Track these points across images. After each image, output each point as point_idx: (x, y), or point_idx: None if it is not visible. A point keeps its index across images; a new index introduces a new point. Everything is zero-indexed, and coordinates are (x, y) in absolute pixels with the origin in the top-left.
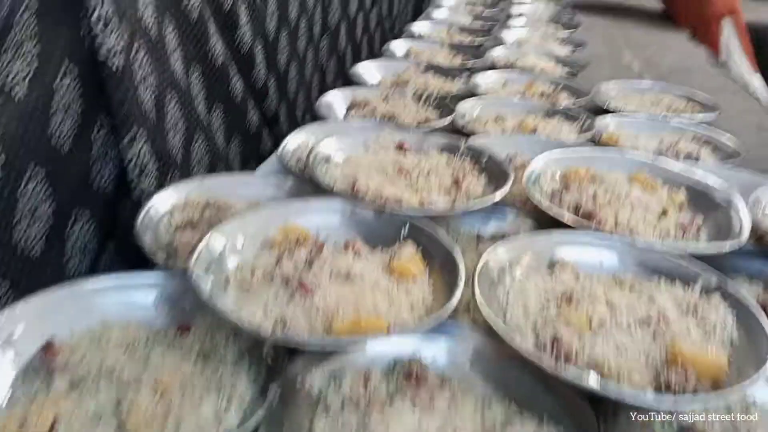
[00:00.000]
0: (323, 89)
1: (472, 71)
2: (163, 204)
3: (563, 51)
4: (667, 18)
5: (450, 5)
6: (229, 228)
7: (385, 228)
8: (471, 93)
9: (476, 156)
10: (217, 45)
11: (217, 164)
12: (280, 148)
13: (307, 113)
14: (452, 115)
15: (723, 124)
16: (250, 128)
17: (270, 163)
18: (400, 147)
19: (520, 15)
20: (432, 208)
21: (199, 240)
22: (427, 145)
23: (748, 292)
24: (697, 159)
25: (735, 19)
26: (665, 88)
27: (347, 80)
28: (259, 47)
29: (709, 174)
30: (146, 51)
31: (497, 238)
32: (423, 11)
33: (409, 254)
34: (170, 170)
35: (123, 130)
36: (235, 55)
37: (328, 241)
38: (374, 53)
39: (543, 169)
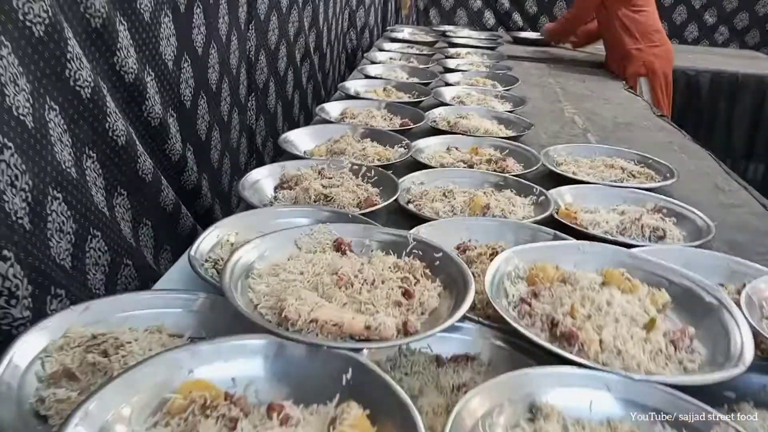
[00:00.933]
0: (252, 152)
1: (412, 131)
2: (32, 346)
3: (504, 108)
4: (598, 66)
5: (384, 59)
6: (112, 390)
7: (321, 370)
8: (413, 161)
9: (427, 253)
10: (117, 123)
11: (121, 262)
12: (193, 247)
13: (235, 177)
14: (396, 195)
15: (679, 186)
16: (164, 208)
17: (181, 267)
18: (338, 247)
19: (457, 69)
20: (380, 341)
21: (77, 406)
22: (370, 241)
23: (762, 428)
24: (663, 236)
25: (651, 79)
26: (616, 151)
27: (278, 147)
28: (173, 117)
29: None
30: (15, 148)
31: (460, 360)
32: (357, 64)
33: (354, 418)
34: (52, 288)
35: None
36: (143, 130)
37: (246, 400)
38: (307, 109)
39: (505, 268)
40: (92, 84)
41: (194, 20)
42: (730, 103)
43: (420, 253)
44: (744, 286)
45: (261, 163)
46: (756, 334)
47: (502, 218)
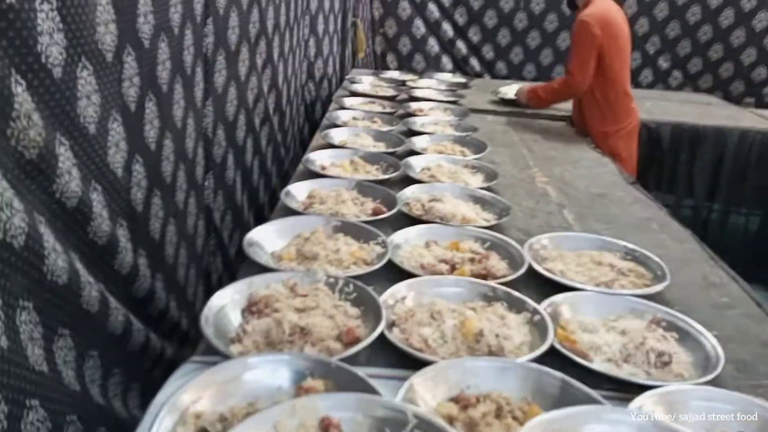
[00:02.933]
0: (209, 232)
1: (387, 219)
2: None
3: (477, 180)
4: (560, 119)
5: (347, 119)
6: None
7: None
8: (391, 262)
9: None
10: (57, 261)
11: (63, 421)
12: None
13: (192, 265)
14: (380, 327)
15: (670, 285)
16: (113, 333)
17: None
18: (326, 428)
19: (422, 131)
20: None
21: None
22: (362, 417)
23: None
24: (669, 362)
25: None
26: (601, 243)
27: (237, 218)
28: (123, 227)
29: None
30: None
31: None
32: (316, 116)
33: None
34: None
35: None
36: (89, 252)
37: None
38: (267, 174)
39: None
40: (26, 229)
41: (146, 115)
42: (691, 154)
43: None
44: None
45: (220, 242)
46: None
47: (500, 358)
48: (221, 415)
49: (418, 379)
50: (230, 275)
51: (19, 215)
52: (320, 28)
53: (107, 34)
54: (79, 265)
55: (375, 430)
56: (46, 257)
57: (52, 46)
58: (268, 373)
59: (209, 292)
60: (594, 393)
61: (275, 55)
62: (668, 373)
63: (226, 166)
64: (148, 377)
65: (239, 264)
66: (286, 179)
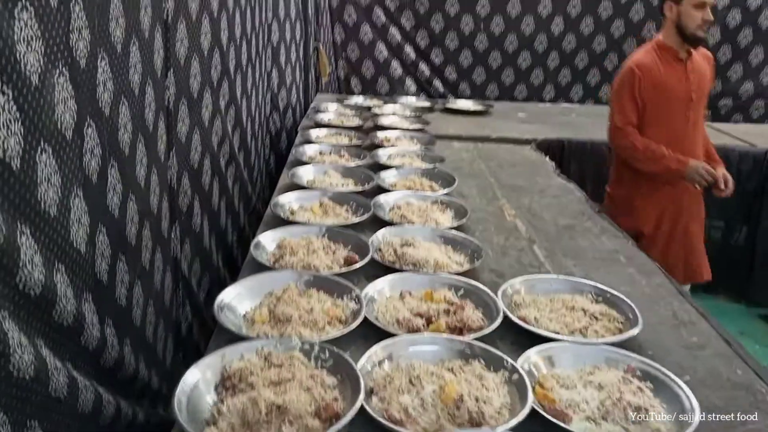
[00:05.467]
0: (177, 282)
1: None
2: None
3: (446, 218)
4: (524, 143)
5: (312, 155)
6: None
7: None
8: (366, 320)
9: None
10: (24, 356)
11: None
12: None
13: (160, 322)
14: (359, 401)
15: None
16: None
17: None
18: None
19: (390, 164)
20: None
21: None
22: None
23: None
24: (646, 414)
25: None
26: (572, 285)
27: (205, 263)
28: (88, 302)
29: None
30: None
31: None
32: (281, 146)
33: None
34: None
35: None
36: (54, 335)
37: None
38: (234, 212)
39: None
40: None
41: (108, 183)
42: None
43: None
44: None
45: (189, 291)
46: None
47: (482, 430)
48: None
49: None
50: (200, 321)
51: None
52: (282, 58)
53: (66, 112)
54: (45, 351)
55: None
56: (11, 355)
57: (10, 138)
58: None
59: (179, 343)
60: None
61: (238, 94)
62: (646, 429)
63: (192, 214)
64: None
65: (210, 309)
66: (254, 213)
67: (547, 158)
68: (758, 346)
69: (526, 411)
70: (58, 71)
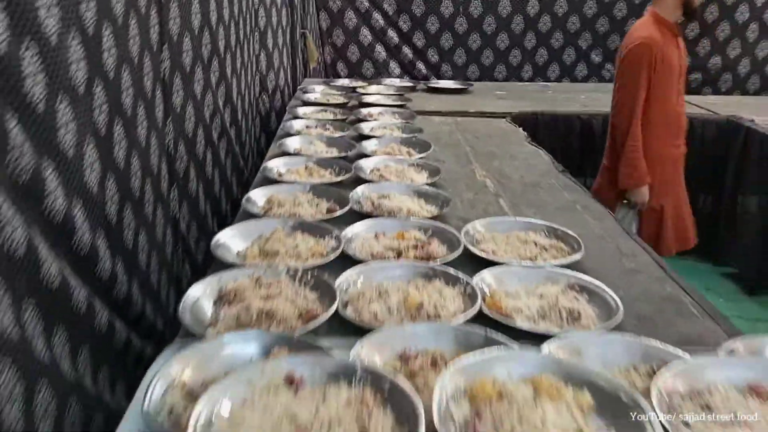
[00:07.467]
0: (177, 241)
1: (340, 216)
2: None
3: (421, 177)
4: (501, 117)
5: (300, 128)
6: None
7: None
8: (344, 253)
9: (376, 382)
10: (51, 268)
11: (67, 402)
12: (145, 401)
13: (163, 272)
14: (334, 305)
15: (588, 255)
16: (100, 331)
17: (134, 416)
18: (291, 381)
19: (371, 135)
20: None
21: None
22: (320, 371)
23: None
24: (578, 317)
25: None
26: (527, 225)
27: (202, 229)
28: (102, 238)
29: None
30: None
31: None
32: (271, 126)
33: None
34: None
35: None
36: (73, 264)
37: None
38: (227, 184)
39: (447, 390)
40: (24, 242)
41: (114, 137)
42: None
43: (369, 378)
44: (654, 370)
45: (187, 250)
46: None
47: (436, 321)
48: (204, 381)
49: (366, 342)
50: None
51: (19, 230)
52: (270, 42)
53: (79, 71)
54: (67, 271)
55: (331, 380)
56: (41, 265)
57: (36, 86)
58: (241, 347)
59: (180, 297)
60: (512, 342)
61: (228, 73)
62: (578, 327)
63: (188, 179)
64: (132, 375)
65: (207, 271)
66: (247, 188)
67: (521, 129)
68: (722, 300)
69: (475, 309)
70: (71, 35)
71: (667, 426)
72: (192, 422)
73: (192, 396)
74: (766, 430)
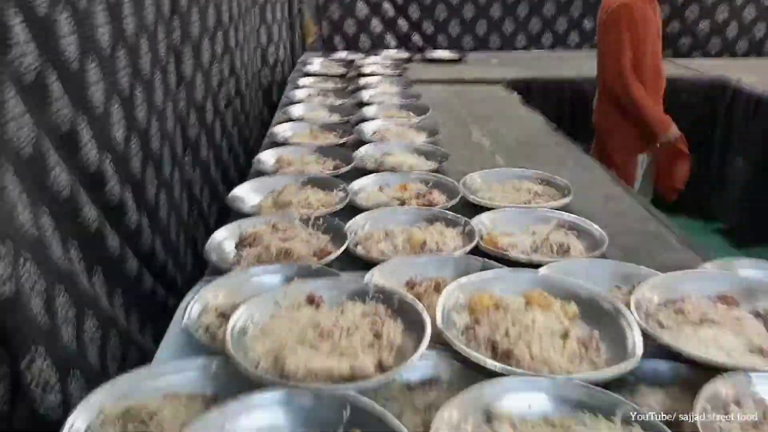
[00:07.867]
0: (192, 204)
1: (346, 173)
2: (77, 428)
3: (421, 138)
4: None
5: (303, 97)
6: None
7: (325, 410)
8: (352, 205)
9: (387, 298)
10: (89, 213)
11: (108, 333)
12: (183, 318)
13: (180, 230)
14: (346, 242)
15: (577, 200)
16: (130, 277)
17: (173, 336)
18: (311, 300)
19: (371, 102)
20: (366, 379)
21: None
22: (338, 292)
23: (655, 403)
24: (567, 250)
25: None
26: (522, 174)
27: (213, 194)
28: (128, 192)
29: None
30: (31, 258)
31: (426, 384)
32: (274, 99)
33: None
34: (69, 372)
35: (20, 355)
36: (106, 213)
37: None
38: (235, 151)
39: (449, 302)
40: (68, 186)
41: (135, 99)
42: None
43: (380, 296)
44: (634, 287)
45: (201, 213)
46: (644, 332)
47: (438, 253)
48: (234, 304)
49: (377, 271)
50: None
51: (63, 174)
52: (269, 16)
53: (105, 34)
54: (102, 218)
55: (347, 298)
56: (81, 209)
57: (70, 45)
58: (266, 278)
59: (196, 260)
60: (506, 267)
61: (232, 44)
62: (567, 256)
63: (200, 145)
64: (157, 323)
65: None
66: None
67: (515, 93)
68: (713, 253)
69: (472, 245)
70: (97, 1)
71: (643, 325)
72: (229, 329)
73: (225, 317)
74: (730, 326)
